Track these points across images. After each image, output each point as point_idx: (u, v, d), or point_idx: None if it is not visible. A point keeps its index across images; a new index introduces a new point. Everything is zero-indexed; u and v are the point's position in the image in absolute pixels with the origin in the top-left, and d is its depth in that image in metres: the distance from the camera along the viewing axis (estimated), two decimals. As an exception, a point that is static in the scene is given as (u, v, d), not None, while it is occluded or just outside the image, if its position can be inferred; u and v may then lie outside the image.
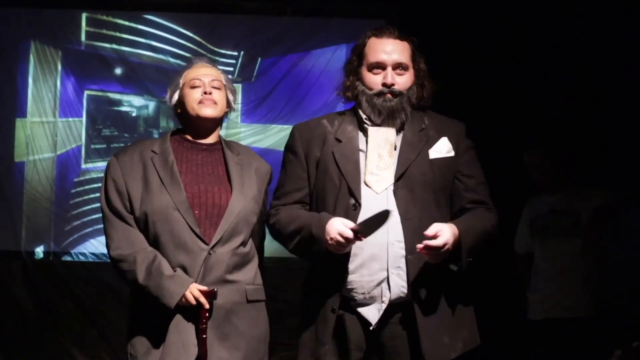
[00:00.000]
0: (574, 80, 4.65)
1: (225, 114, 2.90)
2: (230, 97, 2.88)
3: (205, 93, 2.79)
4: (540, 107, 4.67)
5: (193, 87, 2.81)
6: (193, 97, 2.80)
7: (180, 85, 2.85)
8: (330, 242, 2.47)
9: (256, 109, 5.48)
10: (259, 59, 5.50)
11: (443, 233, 2.44)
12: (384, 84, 2.62)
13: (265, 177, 2.88)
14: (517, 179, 4.31)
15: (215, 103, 2.80)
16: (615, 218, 3.89)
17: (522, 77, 4.71)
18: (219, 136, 2.91)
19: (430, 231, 2.44)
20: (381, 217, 2.42)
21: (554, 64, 4.70)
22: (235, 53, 5.47)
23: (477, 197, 2.64)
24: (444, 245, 2.43)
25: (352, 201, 2.56)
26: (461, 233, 2.49)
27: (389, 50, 2.64)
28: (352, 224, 2.46)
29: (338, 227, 2.46)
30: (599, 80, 4.48)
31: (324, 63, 5.43)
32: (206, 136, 2.85)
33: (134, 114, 5.48)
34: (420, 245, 2.43)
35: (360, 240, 2.45)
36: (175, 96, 2.85)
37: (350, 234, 2.44)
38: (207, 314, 2.64)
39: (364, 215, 2.52)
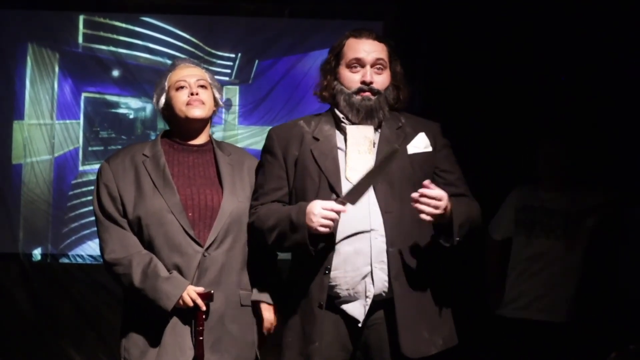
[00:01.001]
0: (573, 80, 4.65)
1: (214, 113, 2.88)
2: (217, 95, 2.87)
3: (191, 94, 2.78)
4: (558, 103, 4.65)
5: (179, 89, 2.80)
6: (180, 100, 2.79)
7: (166, 88, 2.84)
8: (314, 222, 2.45)
9: (254, 111, 5.46)
10: (257, 60, 5.47)
11: (439, 189, 2.46)
12: (363, 82, 2.64)
13: None
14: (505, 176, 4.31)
15: (203, 103, 2.80)
16: (611, 222, 3.87)
17: (521, 76, 4.69)
18: (210, 136, 2.90)
19: (426, 183, 2.45)
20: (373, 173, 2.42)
21: (553, 63, 4.70)
22: (233, 55, 5.44)
23: (457, 190, 2.66)
24: (440, 199, 2.43)
25: (334, 196, 2.55)
26: (453, 206, 2.50)
27: (367, 49, 2.66)
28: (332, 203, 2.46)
29: (321, 203, 2.46)
30: (599, 81, 4.47)
31: (321, 65, 5.40)
32: (196, 137, 2.85)
33: (131, 116, 5.47)
34: (415, 195, 2.43)
35: (344, 211, 2.44)
36: (162, 99, 2.84)
37: (336, 205, 2.44)
38: (203, 316, 2.63)
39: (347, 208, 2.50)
